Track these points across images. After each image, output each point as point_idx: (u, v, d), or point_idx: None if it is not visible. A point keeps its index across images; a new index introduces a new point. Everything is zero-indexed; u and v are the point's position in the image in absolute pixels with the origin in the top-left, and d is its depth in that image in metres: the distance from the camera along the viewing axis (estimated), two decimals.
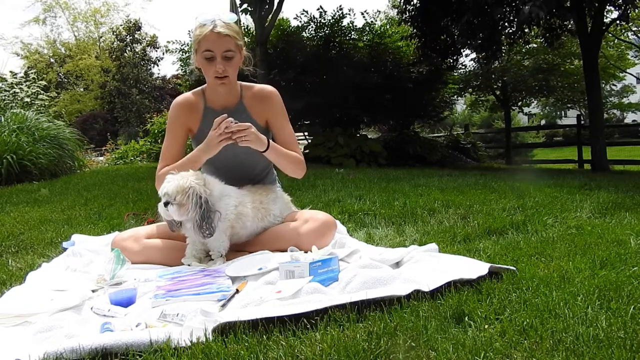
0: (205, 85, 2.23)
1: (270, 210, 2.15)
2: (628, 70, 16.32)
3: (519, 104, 15.77)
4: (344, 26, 9.31)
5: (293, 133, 2.28)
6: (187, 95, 2.26)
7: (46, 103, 9.34)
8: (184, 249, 2.07)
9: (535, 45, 12.72)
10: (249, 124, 2.00)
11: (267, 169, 2.33)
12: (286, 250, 2.04)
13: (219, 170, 2.14)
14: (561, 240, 2.12)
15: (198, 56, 2.10)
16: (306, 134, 10.21)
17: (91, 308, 1.52)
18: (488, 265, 1.63)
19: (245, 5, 8.28)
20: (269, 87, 2.27)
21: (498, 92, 14.65)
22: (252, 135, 1.99)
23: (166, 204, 1.91)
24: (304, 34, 9.44)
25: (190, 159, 2.08)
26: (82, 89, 26.14)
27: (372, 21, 9.61)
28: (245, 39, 9.36)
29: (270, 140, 2.12)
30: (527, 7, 6.26)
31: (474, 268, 1.62)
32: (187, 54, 9.83)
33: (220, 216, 1.95)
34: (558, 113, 30.74)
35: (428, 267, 1.70)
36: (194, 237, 2.01)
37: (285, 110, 2.26)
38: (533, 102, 17.90)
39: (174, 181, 1.91)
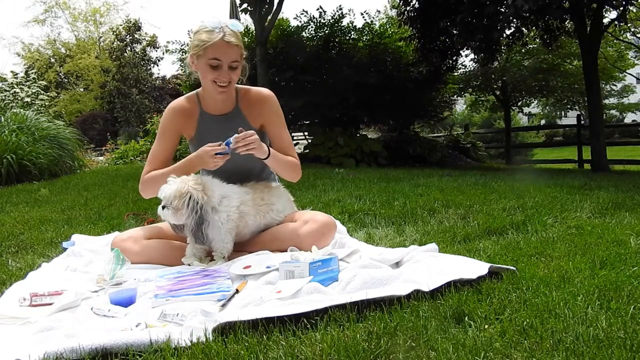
0: (200, 89, 2.18)
1: (272, 205, 2.16)
2: (628, 71, 16.32)
3: (519, 104, 15.78)
4: (343, 26, 9.31)
5: (289, 137, 2.24)
6: (181, 101, 2.21)
7: (46, 103, 9.34)
8: (184, 249, 2.07)
9: (535, 46, 12.72)
10: (253, 131, 1.97)
11: (266, 168, 2.32)
12: (286, 251, 2.04)
13: (218, 175, 2.12)
14: (561, 240, 2.12)
15: (201, 62, 2.03)
16: (306, 134, 10.20)
17: (91, 308, 1.52)
18: (488, 265, 1.63)
19: (245, 5, 8.28)
20: (265, 91, 2.22)
21: (498, 92, 14.65)
22: (256, 143, 1.95)
23: (163, 207, 1.91)
24: (303, 34, 9.44)
25: (186, 166, 2.04)
26: (82, 89, 26.12)
27: (371, 21, 9.62)
28: (245, 39, 9.38)
29: (270, 148, 2.08)
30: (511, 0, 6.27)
31: (474, 268, 1.62)
32: (186, 54, 9.81)
33: (222, 220, 1.96)
34: (558, 113, 30.73)
35: (428, 267, 1.70)
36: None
37: (281, 114, 2.22)
38: (533, 102, 17.91)
39: (173, 185, 1.91)
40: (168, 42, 21.89)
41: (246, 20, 9.27)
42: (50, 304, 1.55)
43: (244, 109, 2.17)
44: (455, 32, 8.75)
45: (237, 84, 2.17)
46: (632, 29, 13.84)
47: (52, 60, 25.96)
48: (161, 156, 2.17)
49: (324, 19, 9.27)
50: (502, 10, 7.38)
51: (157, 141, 2.21)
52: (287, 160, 2.16)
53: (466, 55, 13.87)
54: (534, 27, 8.90)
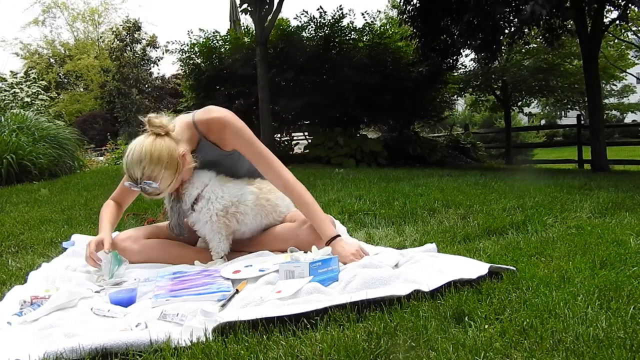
0: None
1: (277, 207, 2.17)
2: (628, 70, 16.29)
3: (519, 104, 15.77)
4: (343, 26, 9.30)
5: (265, 151, 2.07)
6: None
7: (46, 103, 9.34)
8: (183, 248, 2.09)
9: (535, 45, 12.71)
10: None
11: (254, 173, 2.28)
12: (286, 251, 2.04)
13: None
14: (561, 240, 2.12)
15: None
16: (306, 134, 10.20)
17: (91, 308, 1.52)
18: (488, 265, 1.63)
19: (245, 6, 8.28)
20: (223, 118, 2.04)
21: (498, 92, 14.65)
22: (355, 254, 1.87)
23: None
24: (303, 34, 9.43)
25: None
26: (82, 89, 26.13)
27: (372, 21, 9.62)
28: (245, 39, 9.38)
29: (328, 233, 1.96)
30: (528, 6, 6.26)
31: (473, 268, 1.62)
32: (187, 54, 9.85)
33: (204, 219, 2.00)
34: (558, 113, 30.71)
35: (428, 267, 1.70)
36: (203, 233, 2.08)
37: (244, 131, 2.06)
38: (533, 102, 17.90)
39: None
40: (168, 42, 21.90)
41: (246, 20, 9.28)
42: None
43: (211, 138, 2.06)
44: (456, 31, 8.74)
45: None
46: (633, 29, 13.83)
47: (52, 60, 25.95)
48: (123, 193, 2.17)
49: (324, 19, 9.26)
50: (509, 12, 7.38)
51: None
52: (317, 209, 2.03)
53: (466, 55, 13.88)
54: (534, 27, 8.90)
